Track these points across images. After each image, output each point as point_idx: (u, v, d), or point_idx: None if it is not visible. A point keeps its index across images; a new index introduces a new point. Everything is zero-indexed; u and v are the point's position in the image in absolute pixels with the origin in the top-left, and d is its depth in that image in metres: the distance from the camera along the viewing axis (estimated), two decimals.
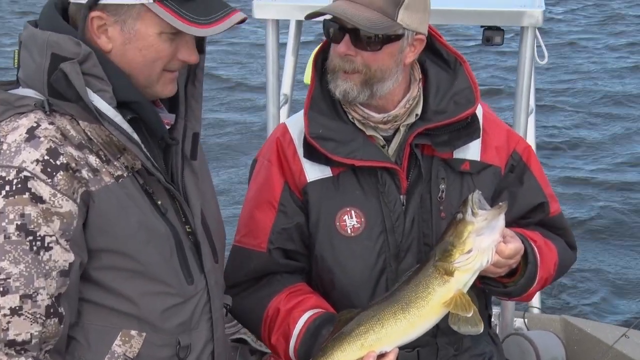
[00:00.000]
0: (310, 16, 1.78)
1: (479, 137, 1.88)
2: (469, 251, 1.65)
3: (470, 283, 1.70)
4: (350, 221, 1.84)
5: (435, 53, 1.90)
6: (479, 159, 1.89)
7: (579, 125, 10.95)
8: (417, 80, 1.86)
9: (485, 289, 1.92)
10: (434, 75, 1.88)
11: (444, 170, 1.86)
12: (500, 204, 1.68)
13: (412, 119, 1.86)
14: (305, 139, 1.84)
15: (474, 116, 1.87)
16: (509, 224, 1.76)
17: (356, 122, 1.86)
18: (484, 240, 1.66)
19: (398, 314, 1.68)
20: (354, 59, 1.75)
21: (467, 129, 1.86)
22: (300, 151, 1.87)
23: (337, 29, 1.74)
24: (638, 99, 12.02)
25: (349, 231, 1.84)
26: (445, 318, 1.72)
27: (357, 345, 1.68)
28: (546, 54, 3.32)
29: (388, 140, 1.87)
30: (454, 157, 1.87)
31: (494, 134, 1.92)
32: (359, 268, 1.85)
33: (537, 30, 3.15)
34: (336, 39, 1.76)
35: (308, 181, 1.86)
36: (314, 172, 1.86)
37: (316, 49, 1.94)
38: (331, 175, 1.85)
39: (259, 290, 1.89)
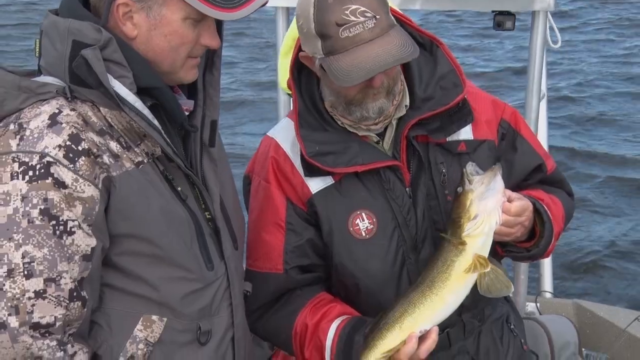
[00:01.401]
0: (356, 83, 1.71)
1: (472, 120, 1.89)
2: (476, 216, 1.69)
3: (488, 246, 1.73)
4: (363, 224, 1.84)
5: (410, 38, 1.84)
6: (472, 138, 1.90)
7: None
8: (399, 72, 1.84)
9: (510, 256, 1.95)
10: (414, 61, 1.85)
11: (441, 155, 1.86)
12: (493, 166, 1.72)
13: (403, 112, 1.85)
14: (303, 159, 1.83)
15: (464, 102, 1.86)
16: (512, 190, 1.78)
17: (347, 127, 1.85)
18: (488, 203, 1.69)
19: (426, 292, 1.71)
20: (384, 82, 1.74)
21: (459, 113, 1.86)
22: (296, 163, 1.86)
23: None
24: None
25: (364, 234, 1.84)
26: (468, 296, 1.75)
27: (395, 330, 1.70)
28: (559, 37, 3.31)
29: (380, 134, 1.87)
30: (448, 140, 1.87)
31: (482, 109, 1.92)
32: (381, 267, 1.85)
33: (549, 15, 3.14)
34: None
35: (312, 193, 1.86)
36: (316, 183, 1.85)
37: (290, 62, 1.89)
38: (333, 182, 1.85)
39: (282, 309, 1.89)
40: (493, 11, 3.14)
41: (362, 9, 1.65)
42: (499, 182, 1.71)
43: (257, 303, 1.87)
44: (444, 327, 1.80)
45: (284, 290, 1.89)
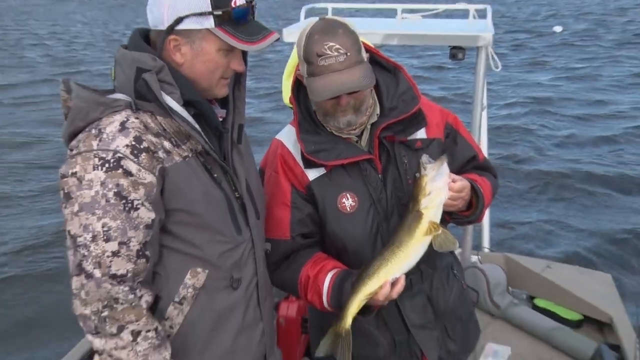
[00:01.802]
0: (323, 99, 1.63)
1: (426, 125, 1.82)
2: (429, 193, 1.62)
3: (439, 215, 1.66)
4: (348, 202, 1.76)
5: (378, 64, 1.80)
6: (426, 137, 1.82)
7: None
8: (370, 92, 1.76)
9: (455, 222, 1.89)
10: (382, 81, 1.78)
11: (404, 150, 1.79)
12: (441, 157, 1.66)
13: (375, 119, 1.78)
14: (303, 155, 1.76)
15: (419, 112, 1.80)
16: (455, 174, 1.72)
17: (333, 131, 1.77)
18: (437, 183, 1.63)
19: (395, 250, 1.65)
20: (350, 102, 1.67)
21: (416, 120, 1.79)
22: (297, 158, 1.79)
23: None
24: None
25: (348, 209, 1.76)
26: (425, 252, 1.69)
27: (374, 279, 1.64)
28: (499, 63, 3.23)
29: (358, 136, 1.79)
30: (408, 139, 1.79)
31: (432, 115, 1.85)
32: (361, 233, 1.78)
33: (490, 48, 3.07)
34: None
35: (310, 180, 1.78)
36: (312, 173, 1.78)
37: (291, 83, 1.81)
38: (325, 172, 1.77)
39: (290, 266, 1.82)
40: (449, 46, 3.08)
41: (337, 46, 1.58)
42: (445, 168, 1.64)
43: (271, 261, 1.79)
44: (407, 274, 1.73)
45: (291, 252, 1.81)
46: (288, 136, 1.84)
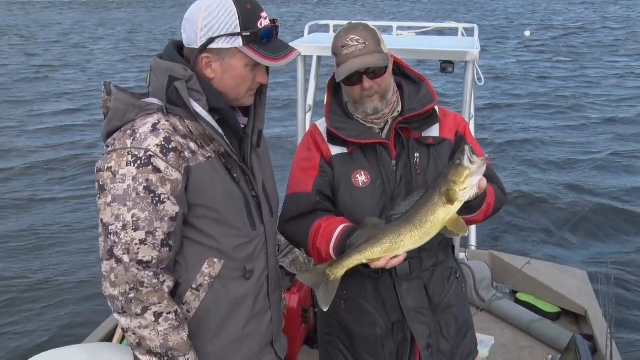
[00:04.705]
0: (344, 80, 1.77)
1: (438, 122, 1.89)
2: (465, 188, 1.58)
3: (459, 207, 1.63)
4: (361, 178, 1.83)
5: (405, 75, 1.93)
6: (438, 135, 1.89)
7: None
8: (395, 92, 1.88)
9: None
10: (406, 88, 1.90)
11: (417, 144, 1.86)
12: (486, 156, 1.64)
13: (396, 114, 1.87)
14: (328, 130, 1.87)
15: (434, 111, 1.89)
16: None
17: (359, 120, 1.87)
18: (474, 180, 1.59)
19: (413, 230, 1.62)
20: (373, 87, 1.78)
21: (430, 118, 1.88)
22: (326, 138, 1.89)
23: (356, 75, 1.76)
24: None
25: (361, 184, 1.83)
26: (429, 242, 1.66)
27: (381, 249, 1.63)
28: (482, 77, 3.29)
29: (381, 129, 1.88)
30: (422, 135, 1.87)
31: (446, 120, 1.92)
32: (368, 208, 1.83)
33: (475, 63, 3.13)
34: (354, 83, 1.78)
35: (333, 155, 1.87)
36: (335, 150, 1.87)
37: (330, 78, 1.93)
38: (347, 151, 1.86)
39: (305, 219, 1.86)
40: (440, 60, 3.13)
41: (357, 37, 1.75)
42: (484, 167, 1.60)
43: (289, 215, 1.86)
44: (407, 258, 1.72)
45: (310, 209, 1.85)
46: (322, 122, 1.96)
